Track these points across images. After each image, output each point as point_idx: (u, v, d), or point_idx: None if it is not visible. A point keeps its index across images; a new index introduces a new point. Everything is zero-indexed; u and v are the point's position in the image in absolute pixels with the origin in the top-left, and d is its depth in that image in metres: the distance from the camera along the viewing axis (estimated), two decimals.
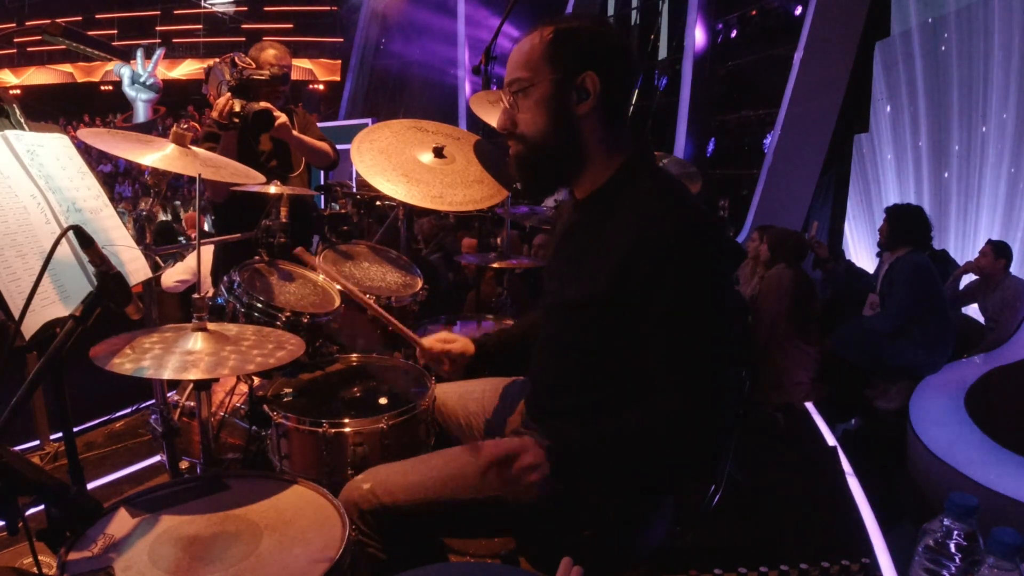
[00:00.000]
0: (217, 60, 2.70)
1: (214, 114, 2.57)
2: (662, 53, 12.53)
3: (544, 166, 1.34)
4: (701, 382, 1.17)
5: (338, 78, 20.54)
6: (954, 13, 6.37)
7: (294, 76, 3.04)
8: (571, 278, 1.34)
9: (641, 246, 1.18)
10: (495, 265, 2.78)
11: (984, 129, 5.99)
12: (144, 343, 1.40)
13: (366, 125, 2.85)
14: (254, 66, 2.71)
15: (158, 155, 1.68)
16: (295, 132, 2.82)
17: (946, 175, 6.54)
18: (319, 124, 3.27)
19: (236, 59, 2.68)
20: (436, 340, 1.63)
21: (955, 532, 0.85)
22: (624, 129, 1.34)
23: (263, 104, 2.60)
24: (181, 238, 6.13)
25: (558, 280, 1.40)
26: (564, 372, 1.38)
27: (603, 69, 1.26)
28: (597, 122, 1.29)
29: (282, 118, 2.67)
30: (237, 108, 2.54)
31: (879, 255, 5.61)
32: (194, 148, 1.81)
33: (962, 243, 6.20)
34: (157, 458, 2.75)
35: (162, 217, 10.32)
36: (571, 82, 1.26)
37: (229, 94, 2.56)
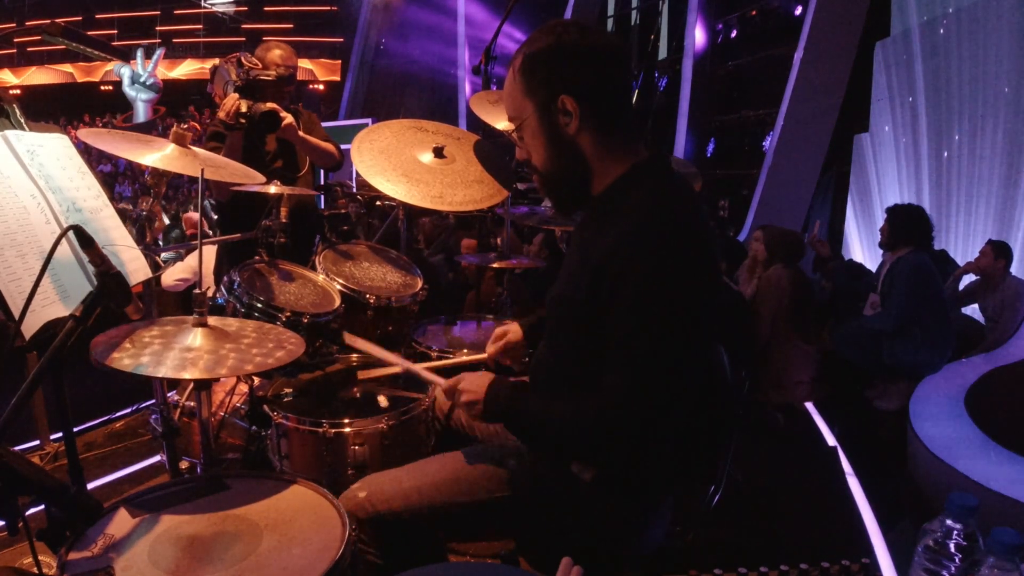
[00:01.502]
0: (223, 60, 2.70)
1: (221, 114, 2.57)
2: (662, 53, 12.53)
3: (561, 189, 1.38)
4: (635, 388, 1.18)
5: (338, 78, 20.53)
6: (954, 12, 6.36)
7: None
8: (566, 274, 1.38)
9: (613, 251, 1.21)
10: (495, 265, 2.78)
11: (984, 129, 5.98)
12: (144, 337, 1.39)
13: (366, 125, 2.85)
14: (260, 66, 2.71)
15: (158, 155, 1.68)
16: (301, 132, 2.83)
17: (946, 175, 6.53)
18: None
19: (243, 59, 2.68)
20: (491, 343, 1.71)
21: (955, 532, 0.85)
22: (626, 133, 1.33)
23: (270, 105, 2.60)
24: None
25: (563, 275, 1.43)
26: (556, 363, 1.40)
27: (575, 87, 1.25)
28: (591, 135, 1.29)
29: (288, 118, 2.68)
30: (244, 108, 2.54)
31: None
32: (194, 148, 1.81)
33: (962, 243, 6.19)
34: (157, 458, 2.75)
35: (165, 221, 10.26)
36: (551, 109, 1.27)
37: (236, 94, 2.56)
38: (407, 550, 1.39)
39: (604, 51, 1.27)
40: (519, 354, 1.73)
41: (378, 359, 1.78)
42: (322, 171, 3.37)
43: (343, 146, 2.99)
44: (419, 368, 1.67)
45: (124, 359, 1.29)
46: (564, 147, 1.30)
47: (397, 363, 1.72)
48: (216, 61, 2.74)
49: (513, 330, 1.71)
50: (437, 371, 1.81)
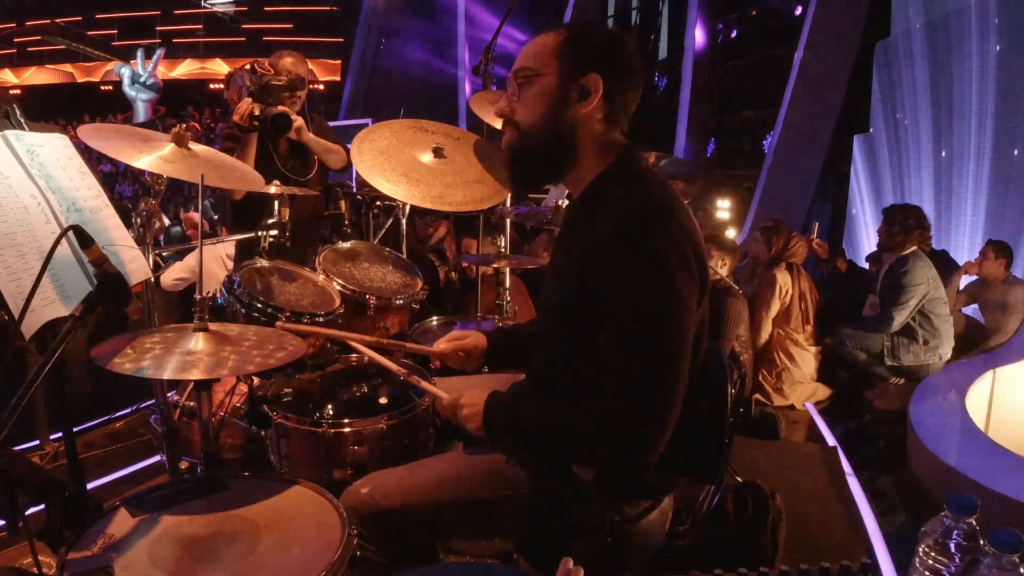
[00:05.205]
0: (238, 68, 2.85)
1: (235, 117, 2.70)
2: (662, 53, 12.55)
3: (532, 157, 1.34)
4: (629, 388, 1.16)
5: (338, 78, 20.51)
6: (954, 13, 6.36)
7: None
8: (556, 280, 1.37)
9: (595, 245, 1.20)
10: (495, 265, 2.77)
11: (984, 128, 5.98)
12: (145, 343, 1.40)
13: (366, 125, 2.87)
14: (273, 73, 2.83)
15: (156, 156, 1.68)
16: (311, 134, 2.92)
17: (946, 175, 6.53)
18: None
19: (256, 66, 2.81)
20: (445, 341, 1.59)
21: (955, 532, 0.85)
22: (621, 133, 1.34)
23: (281, 108, 2.72)
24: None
25: (550, 281, 1.41)
26: (552, 372, 1.39)
27: (608, 73, 1.27)
28: (594, 123, 1.30)
29: (299, 121, 2.80)
30: (256, 112, 2.67)
31: (869, 259, 5.62)
32: (194, 147, 1.81)
33: (962, 243, 6.19)
34: (157, 458, 2.74)
35: (165, 221, 10.26)
36: (575, 80, 1.27)
37: (249, 99, 2.68)
38: (407, 547, 1.39)
39: (635, 60, 1.31)
40: (473, 361, 1.60)
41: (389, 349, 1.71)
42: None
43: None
44: (426, 384, 1.56)
45: (125, 364, 1.30)
46: (563, 119, 1.29)
47: (396, 368, 1.65)
48: (235, 68, 2.88)
49: (475, 336, 1.60)
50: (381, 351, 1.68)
